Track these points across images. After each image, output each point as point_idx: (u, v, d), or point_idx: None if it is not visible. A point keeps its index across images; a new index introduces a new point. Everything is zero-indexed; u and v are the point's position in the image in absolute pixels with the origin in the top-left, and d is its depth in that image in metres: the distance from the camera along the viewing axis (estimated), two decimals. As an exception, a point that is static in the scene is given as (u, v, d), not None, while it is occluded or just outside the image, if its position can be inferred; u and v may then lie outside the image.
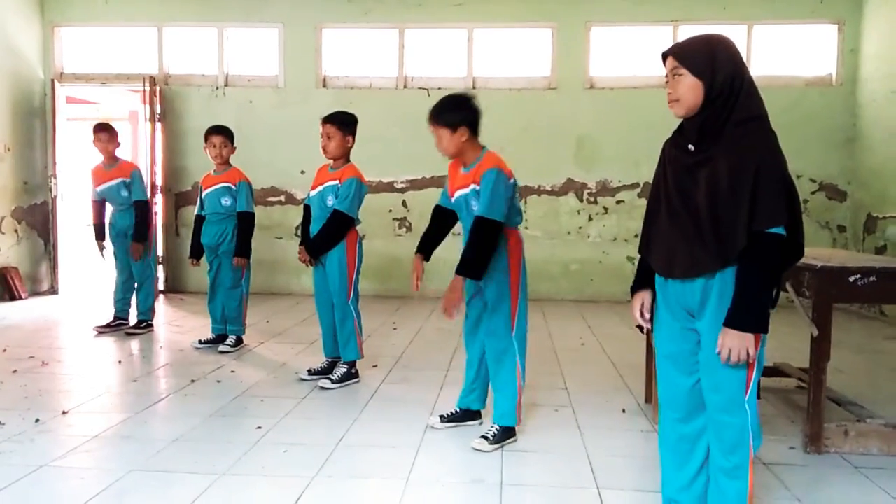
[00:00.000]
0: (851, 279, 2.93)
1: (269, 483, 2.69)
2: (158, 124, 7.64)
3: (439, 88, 7.63)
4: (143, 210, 5.39)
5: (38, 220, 7.75)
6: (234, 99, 7.79)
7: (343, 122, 4.05)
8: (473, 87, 7.64)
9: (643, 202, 7.53)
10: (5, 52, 7.28)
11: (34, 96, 7.73)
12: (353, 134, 4.09)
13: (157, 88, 7.65)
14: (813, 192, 7.42)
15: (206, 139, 4.89)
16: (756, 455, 2.12)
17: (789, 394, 3.99)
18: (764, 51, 7.47)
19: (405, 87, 7.73)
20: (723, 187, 1.96)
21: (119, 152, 5.48)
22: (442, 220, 3.31)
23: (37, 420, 3.35)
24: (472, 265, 2.96)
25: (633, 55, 7.64)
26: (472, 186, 3.04)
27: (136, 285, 5.53)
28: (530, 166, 7.59)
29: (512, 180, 3.07)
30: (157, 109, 7.62)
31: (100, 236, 5.60)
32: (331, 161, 4.10)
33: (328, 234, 4.02)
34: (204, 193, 4.96)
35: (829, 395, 3.31)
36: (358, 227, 4.15)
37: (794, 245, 2.03)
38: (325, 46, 7.82)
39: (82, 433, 3.19)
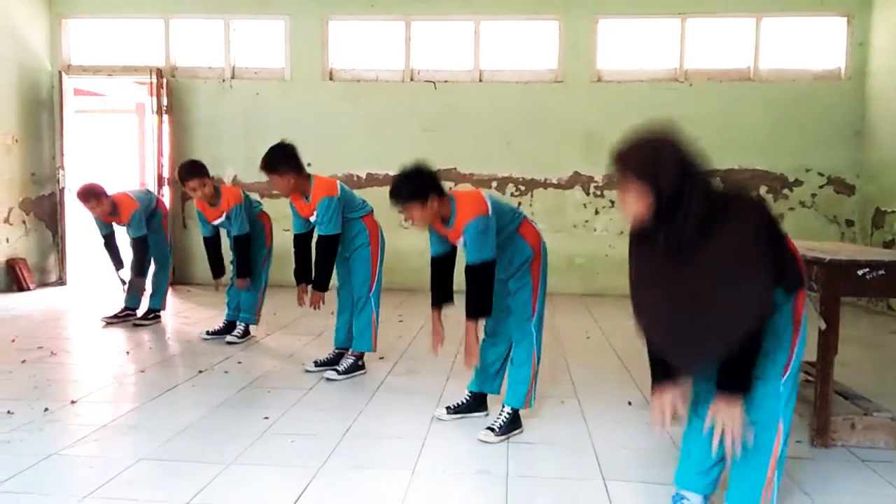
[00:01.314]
0: (860, 273, 2.92)
1: (276, 473, 2.70)
2: (165, 116, 7.65)
3: (446, 81, 7.62)
4: (140, 245, 5.35)
5: (46, 212, 7.78)
6: (241, 91, 7.79)
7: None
8: (480, 80, 7.63)
9: (650, 196, 7.51)
10: (13, 43, 7.30)
11: (42, 88, 7.75)
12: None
13: (164, 80, 7.66)
14: (821, 186, 7.39)
15: (184, 186, 4.77)
16: (786, 442, 2.17)
17: (796, 387, 3.98)
18: (772, 44, 7.42)
19: (412, 79, 7.72)
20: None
21: (115, 192, 5.36)
22: (442, 267, 3.25)
23: (46, 409, 3.37)
24: (480, 307, 3.03)
25: (641, 48, 7.60)
26: (461, 240, 3.04)
27: (153, 269, 5.55)
28: (537, 159, 7.59)
29: (489, 213, 2.99)
30: (164, 102, 7.63)
31: (117, 264, 5.46)
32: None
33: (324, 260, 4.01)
34: (215, 224, 4.91)
35: (836, 389, 3.30)
36: (375, 217, 4.26)
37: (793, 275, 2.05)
38: (332, 39, 7.81)
39: (91, 422, 3.21)
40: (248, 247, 4.85)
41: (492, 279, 3.04)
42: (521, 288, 3.17)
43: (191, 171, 4.71)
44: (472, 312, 3.03)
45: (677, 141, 1.92)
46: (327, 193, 3.94)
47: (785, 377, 2.11)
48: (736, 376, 1.97)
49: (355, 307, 4.16)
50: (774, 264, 1.94)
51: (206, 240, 5.02)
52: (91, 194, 5.18)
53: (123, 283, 5.49)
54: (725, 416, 1.97)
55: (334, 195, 3.96)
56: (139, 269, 5.37)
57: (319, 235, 3.98)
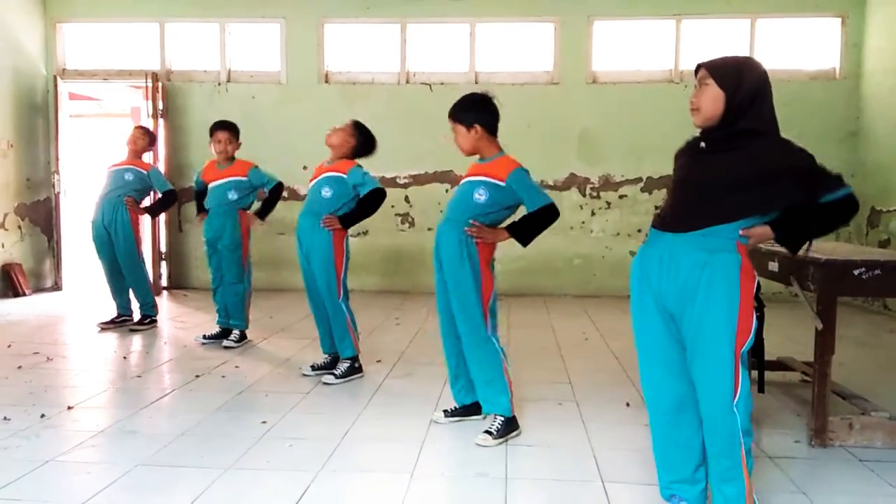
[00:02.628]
0: (856, 273, 2.92)
1: (275, 477, 2.69)
2: (161, 120, 7.64)
3: (442, 83, 7.63)
4: (170, 196, 5.62)
5: (42, 217, 7.75)
6: (237, 95, 7.78)
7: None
8: (476, 82, 7.63)
9: (646, 197, 7.53)
10: (8, 48, 7.28)
11: (37, 93, 7.73)
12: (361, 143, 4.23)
13: (160, 84, 7.65)
14: (816, 186, 7.39)
15: (212, 134, 4.93)
16: (753, 449, 2.14)
17: (794, 387, 3.99)
18: (767, 45, 7.44)
19: (407, 82, 7.72)
20: (738, 170, 2.06)
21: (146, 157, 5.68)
22: None
23: (42, 415, 3.36)
24: (527, 235, 3.13)
25: (636, 50, 7.61)
26: (488, 179, 3.11)
27: (128, 284, 5.51)
28: (533, 161, 7.39)
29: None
30: (160, 106, 7.62)
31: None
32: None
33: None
34: (209, 186, 4.97)
35: (834, 389, 3.30)
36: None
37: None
38: (328, 41, 7.81)
39: (88, 428, 3.20)
40: (280, 192, 5.07)
41: (550, 223, 3.14)
42: (470, 303, 3.10)
43: (228, 124, 4.96)
44: (516, 233, 3.12)
45: (762, 68, 2.15)
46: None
47: (736, 398, 2.07)
48: (797, 230, 2.16)
49: (329, 314, 4.13)
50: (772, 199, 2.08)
51: (196, 192, 5.19)
52: (145, 129, 5.68)
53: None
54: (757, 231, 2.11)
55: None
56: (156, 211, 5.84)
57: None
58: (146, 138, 5.55)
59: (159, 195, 5.69)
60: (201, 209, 5.14)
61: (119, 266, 5.45)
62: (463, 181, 3.23)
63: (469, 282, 3.11)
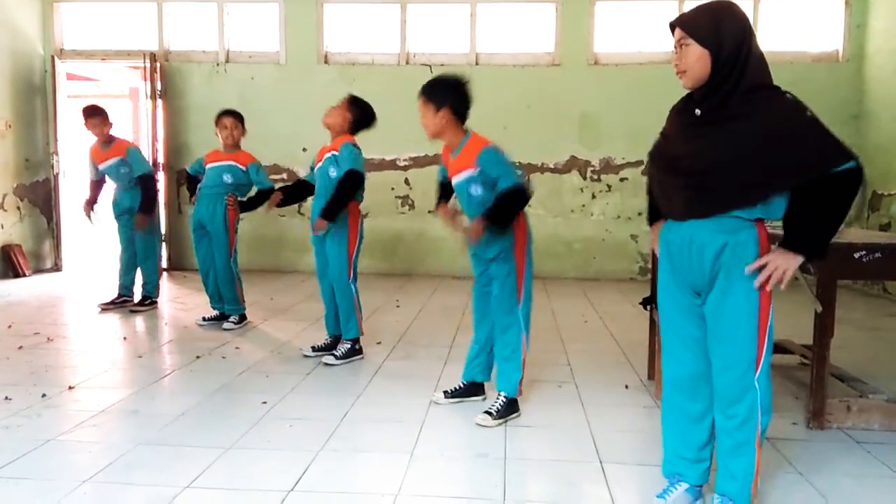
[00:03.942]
0: (857, 256, 2.92)
1: (275, 457, 2.71)
2: (159, 101, 7.60)
3: (442, 65, 7.57)
4: (147, 183, 5.40)
5: (41, 198, 7.74)
6: (236, 75, 7.73)
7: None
8: (476, 64, 7.58)
9: (647, 180, 7.50)
10: (5, 28, 7.22)
11: (35, 73, 7.68)
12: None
13: (158, 65, 7.60)
14: (817, 170, 7.37)
15: (217, 122, 4.90)
16: (764, 432, 2.13)
17: (792, 370, 4.01)
18: (770, 26, 7.39)
19: (407, 63, 7.67)
20: (741, 146, 1.94)
21: (114, 132, 5.45)
22: (447, 189, 3.32)
23: (43, 395, 3.37)
24: (500, 220, 2.97)
25: (638, 31, 7.56)
26: (468, 172, 3.05)
27: (138, 261, 5.54)
28: (533, 144, 7.56)
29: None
30: (158, 86, 7.58)
31: (89, 205, 5.60)
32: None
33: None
34: (207, 167, 4.95)
35: (832, 372, 3.32)
36: (361, 205, 4.16)
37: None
38: (327, 21, 7.75)
39: (89, 408, 3.21)
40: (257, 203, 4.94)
41: (522, 206, 3.02)
42: (505, 274, 3.11)
43: (234, 112, 4.92)
44: (489, 217, 2.93)
45: (741, 13, 2.02)
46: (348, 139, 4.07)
47: (758, 373, 2.06)
48: (815, 235, 1.98)
49: (336, 296, 4.13)
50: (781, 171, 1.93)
51: (189, 175, 5.14)
52: (96, 110, 5.34)
53: (90, 214, 5.63)
54: (778, 262, 1.98)
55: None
56: (146, 207, 5.36)
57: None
58: (108, 122, 5.36)
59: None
60: (193, 192, 5.10)
61: (133, 244, 5.51)
62: (455, 182, 3.14)
63: (504, 273, 3.11)
